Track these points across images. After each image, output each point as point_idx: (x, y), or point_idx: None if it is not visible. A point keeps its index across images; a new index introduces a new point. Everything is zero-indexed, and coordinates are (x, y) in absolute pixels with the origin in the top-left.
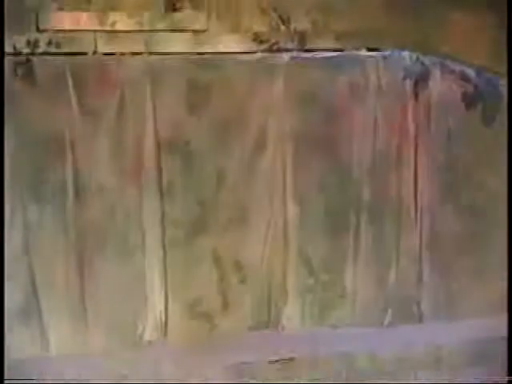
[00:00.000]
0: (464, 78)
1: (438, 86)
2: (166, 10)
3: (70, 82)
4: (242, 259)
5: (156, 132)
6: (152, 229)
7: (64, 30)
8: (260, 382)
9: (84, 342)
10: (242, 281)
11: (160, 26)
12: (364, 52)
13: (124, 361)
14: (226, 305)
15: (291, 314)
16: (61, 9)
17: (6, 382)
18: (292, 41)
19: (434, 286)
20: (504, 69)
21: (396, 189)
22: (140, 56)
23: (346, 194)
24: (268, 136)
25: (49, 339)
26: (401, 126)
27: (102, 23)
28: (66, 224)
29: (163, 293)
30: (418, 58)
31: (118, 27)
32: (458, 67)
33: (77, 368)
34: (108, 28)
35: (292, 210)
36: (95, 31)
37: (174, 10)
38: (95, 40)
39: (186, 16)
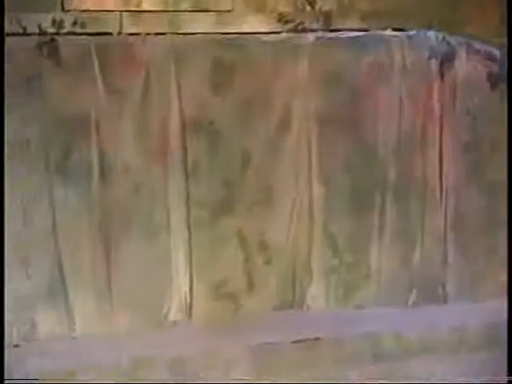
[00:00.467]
0: (489, 57)
1: (464, 66)
2: None
3: (96, 62)
4: (267, 239)
5: (181, 112)
6: (177, 209)
7: (89, 10)
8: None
9: (109, 322)
10: (267, 261)
11: (185, 6)
12: (389, 32)
13: (149, 341)
14: (250, 285)
15: (316, 294)
16: None
17: (6, 382)
18: (317, 21)
19: (458, 266)
20: None
21: (421, 169)
22: (165, 36)
23: (371, 174)
24: (293, 116)
25: (74, 319)
26: (426, 106)
27: (127, 3)
28: (91, 204)
29: (188, 273)
30: (443, 38)
31: (143, 7)
32: (483, 47)
33: (102, 348)
34: (133, 8)
35: (317, 189)
36: (120, 11)
37: None
38: (120, 20)
39: None
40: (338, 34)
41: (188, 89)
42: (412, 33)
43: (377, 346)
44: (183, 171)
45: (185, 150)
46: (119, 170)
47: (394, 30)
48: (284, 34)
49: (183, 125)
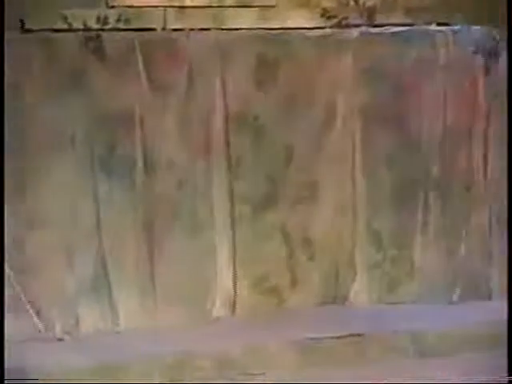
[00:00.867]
0: None
1: None
2: None
3: (140, 58)
4: (311, 235)
5: (225, 107)
6: (221, 205)
7: (133, 6)
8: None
9: (153, 317)
10: (311, 256)
11: (229, 1)
12: (434, 27)
13: (192, 336)
14: (294, 280)
15: (359, 289)
16: None
17: (5, 382)
18: (361, 16)
19: (503, 262)
20: None
21: (465, 163)
22: (209, 32)
23: (414, 169)
24: (337, 111)
25: (118, 314)
26: (471, 100)
27: None
28: (135, 199)
29: (232, 269)
30: (488, 33)
31: (187, 3)
32: None
33: (145, 343)
34: (177, 4)
35: (361, 185)
36: (164, 7)
37: None
38: (164, 16)
39: None
40: (381, 29)
41: (232, 84)
42: (457, 27)
43: (420, 341)
44: (227, 167)
45: (228, 145)
46: (163, 165)
47: (439, 24)
48: (328, 30)
49: (227, 120)
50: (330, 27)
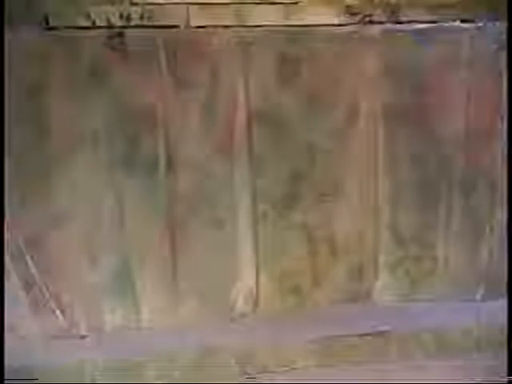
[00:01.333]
0: None
1: None
2: None
3: (163, 55)
4: (334, 232)
5: (247, 105)
6: (244, 202)
7: (156, 3)
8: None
9: (176, 314)
10: (334, 254)
11: None
12: (457, 24)
13: (215, 333)
14: (317, 278)
15: (382, 287)
16: None
17: (5, 382)
18: (384, 13)
19: None
20: None
21: (489, 161)
22: (232, 29)
23: (438, 167)
24: (360, 109)
25: (141, 311)
26: (494, 98)
27: None
28: (158, 197)
29: (254, 266)
30: None
31: (211, 0)
32: None
33: (168, 339)
34: (200, 1)
35: (383, 183)
36: (187, 4)
37: None
38: (187, 13)
39: None
40: (405, 26)
41: (255, 82)
42: (481, 24)
43: (444, 340)
44: (249, 164)
45: (251, 143)
46: (185, 163)
47: (463, 21)
48: (351, 27)
49: (249, 118)
50: (354, 24)
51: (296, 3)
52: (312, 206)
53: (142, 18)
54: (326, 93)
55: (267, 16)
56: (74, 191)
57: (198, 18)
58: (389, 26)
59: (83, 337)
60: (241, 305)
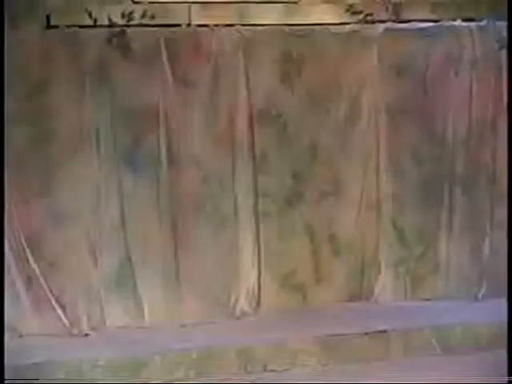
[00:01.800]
0: None
1: None
2: None
3: (165, 54)
4: (336, 231)
5: (249, 103)
6: (245, 201)
7: (158, 2)
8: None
9: (178, 312)
10: (335, 253)
11: None
12: (459, 22)
13: (217, 331)
14: (318, 277)
15: (384, 285)
16: None
17: (6, 382)
18: (386, 12)
19: None
20: None
21: (490, 160)
22: (233, 28)
23: (439, 166)
24: (362, 107)
25: (143, 309)
26: (496, 96)
27: None
28: (160, 195)
29: (256, 264)
30: None
31: None
32: None
33: (170, 337)
34: (202, 0)
35: (385, 181)
36: (189, 3)
37: None
38: (189, 12)
39: None
40: (407, 24)
41: (256, 80)
42: (483, 23)
43: (444, 338)
44: (251, 162)
45: (253, 141)
46: (187, 160)
47: (465, 20)
48: (353, 25)
49: (251, 116)
50: (355, 23)
51: (297, 2)
52: (314, 204)
53: (144, 16)
54: (328, 91)
55: (269, 15)
56: (77, 188)
57: (199, 16)
58: (391, 24)
59: (86, 335)
60: (243, 303)
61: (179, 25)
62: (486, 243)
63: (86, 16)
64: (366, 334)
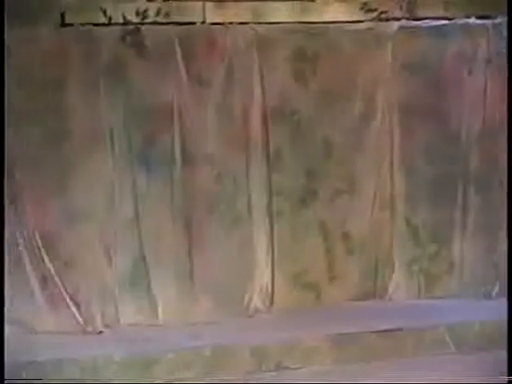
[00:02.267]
0: None
1: None
2: None
3: (179, 52)
4: (349, 230)
5: (263, 101)
6: (259, 199)
7: (173, 0)
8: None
9: (191, 310)
10: (349, 251)
11: None
12: (473, 20)
13: (230, 329)
14: (332, 275)
15: (398, 284)
16: None
17: (6, 382)
18: (400, 9)
19: None
20: None
21: (505, 158)
22: (247, 25)
23: (453, 164)
24: (376, 105)
25: (157, 307)
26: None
27: None
28: (174, 193)
29: (270, 263)
30: None
31: None
32: None
33: (184, 335)
34: None
35: (399, 180)
36: (204, 0)
37: None
38: (203, 10)
39: None
40: (421, 22)
41: (270, 78)
42: (497, 20)
43: (458, 336)
44: (265, 160)
45: (267, 139)
46: (201, 159)
47: (479, 17)
48: (367, 23)
49: (265, 114)
50: (370, 21)
51: (312, 0)
52: (328, 202)
53: (158, 14)
54: (342, 89)
55: (283, 13)
56: (91, 187)
57: (214, 14)
58: (405, 22)
59: (99, 332)
60: (256, 302)
61: (193, 23)
62: (500, 242)
63: (101, 14)
64: (380, 332)
